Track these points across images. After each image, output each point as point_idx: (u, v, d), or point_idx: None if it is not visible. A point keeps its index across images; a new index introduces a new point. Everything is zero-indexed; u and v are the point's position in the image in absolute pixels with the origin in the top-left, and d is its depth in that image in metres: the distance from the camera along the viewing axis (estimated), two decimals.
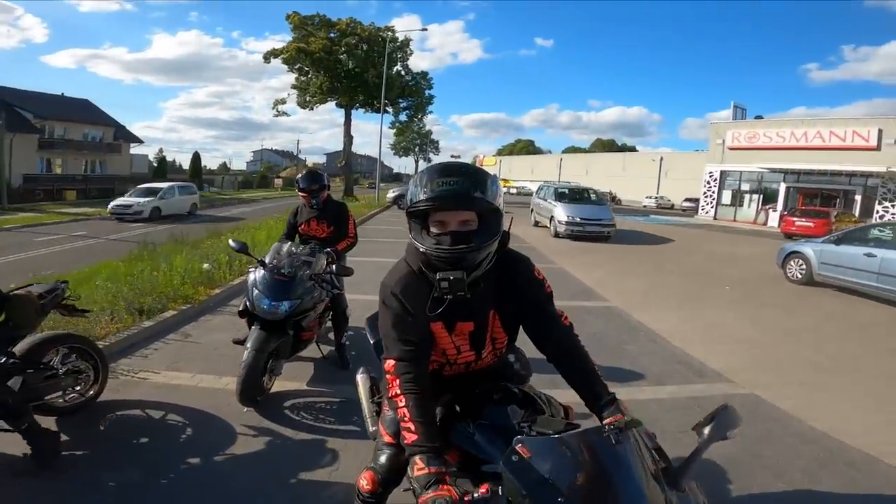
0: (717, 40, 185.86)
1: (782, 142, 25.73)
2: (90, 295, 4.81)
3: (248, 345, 3.14)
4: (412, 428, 1.33)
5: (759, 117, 29.38)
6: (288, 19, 28.99)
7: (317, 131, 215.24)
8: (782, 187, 25.95)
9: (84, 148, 32.26)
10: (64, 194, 27.46)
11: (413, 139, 64.21)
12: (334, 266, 3.61)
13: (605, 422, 1.28)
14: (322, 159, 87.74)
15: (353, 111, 32.07)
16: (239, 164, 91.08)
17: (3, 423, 2.40)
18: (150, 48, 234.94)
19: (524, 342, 1.65)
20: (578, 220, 14.07)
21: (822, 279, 8.35)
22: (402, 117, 34.35)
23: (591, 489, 1.08)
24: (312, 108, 31.22)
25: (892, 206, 22.10)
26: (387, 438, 1.57)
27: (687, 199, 37.09)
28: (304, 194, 4.02)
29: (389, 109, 31.25)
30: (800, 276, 8.75)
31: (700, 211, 30.22)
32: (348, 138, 32.35)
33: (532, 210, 17.88)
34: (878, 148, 22.43)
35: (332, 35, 29.00)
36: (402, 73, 31.69)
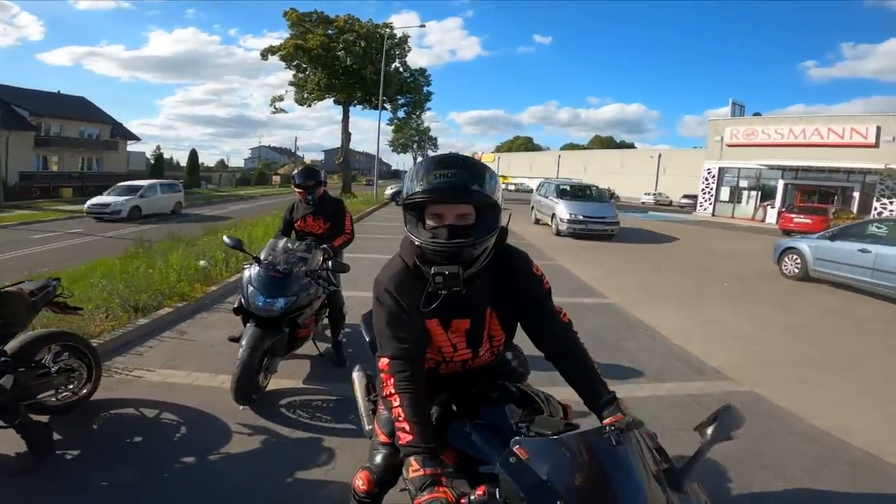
0: (716, 38, 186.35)
1: (780, 139, 25.73)
2: (85, 292, 4.77)
3: (244, 342, 3.10)
4: (407, 428, 1.30)
5: (757, 114, 29.33)
6: (285, 16, 28.83)
7: (315, 128, 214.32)
8: (780, 184, 25.95)
9: (80, 145, 32.07)
10: (60, 192, 27.31)
11: (411, 136, 64.02)
12: (331, 262, 3.59)
13: (605, 422, 1.25)
14: (320, 156, 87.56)
15: (352, 108, 31.98)
16: (237, 162, 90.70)
17: None
18: (146, 46, 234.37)
19: (522, 339, 1.62)
20: (581, 217, 13.46)
21: (818, 275, 8.39)
22: (401, 114, 34.23)
23: (591, 491, 1.05)
24: (310, 105, 31.08)
25: (890, 202, 22.13)
26: (382, 438, 1.54)
27: (685, 196, 37.13)
28: (300, 190, 3.98)
29: (388, 106, 31.14)
30: (795, 271, 8.78)
31: (698, 207, 30.19)
32: (346, 135, 32.22)
33: (532, 207, 17.45)
34: (877, 145, 22.46)
35: (329, 32, 28.85)
36: (401, 69, 31.53)
